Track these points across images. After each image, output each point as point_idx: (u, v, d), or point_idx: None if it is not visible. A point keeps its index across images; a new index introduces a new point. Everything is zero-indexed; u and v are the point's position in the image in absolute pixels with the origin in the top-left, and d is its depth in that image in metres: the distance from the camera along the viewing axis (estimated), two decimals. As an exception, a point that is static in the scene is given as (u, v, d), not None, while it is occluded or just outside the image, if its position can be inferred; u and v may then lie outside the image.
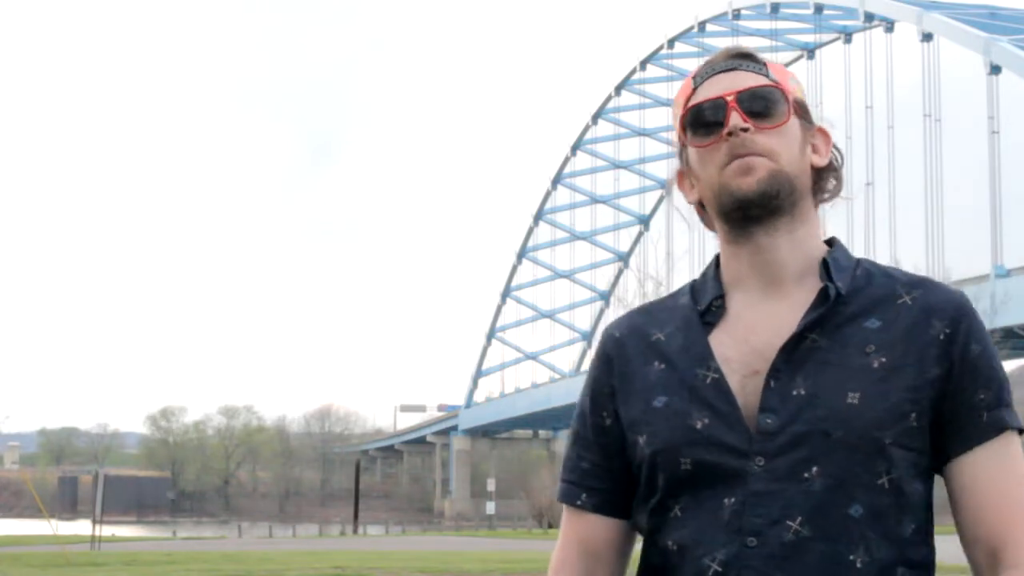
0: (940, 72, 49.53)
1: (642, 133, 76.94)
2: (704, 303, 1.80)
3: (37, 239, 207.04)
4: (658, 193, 78.46)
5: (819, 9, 56.11)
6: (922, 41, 49.03)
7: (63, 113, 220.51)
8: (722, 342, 1.76)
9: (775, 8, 59.16)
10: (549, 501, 67.64)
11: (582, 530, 1.87)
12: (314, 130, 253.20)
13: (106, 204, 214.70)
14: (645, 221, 79.08)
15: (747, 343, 1.75)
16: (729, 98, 1.76)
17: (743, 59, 1.81)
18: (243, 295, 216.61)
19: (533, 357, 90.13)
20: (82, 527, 45.94)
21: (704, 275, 1.85)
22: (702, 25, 65.96)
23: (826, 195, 1.83)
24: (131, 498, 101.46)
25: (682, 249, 62.92)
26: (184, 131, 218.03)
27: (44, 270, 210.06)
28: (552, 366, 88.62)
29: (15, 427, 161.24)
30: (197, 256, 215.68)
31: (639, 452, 1.78)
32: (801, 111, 1.80)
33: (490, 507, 72.97)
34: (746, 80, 1.77)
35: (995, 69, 44.60)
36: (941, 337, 1.71)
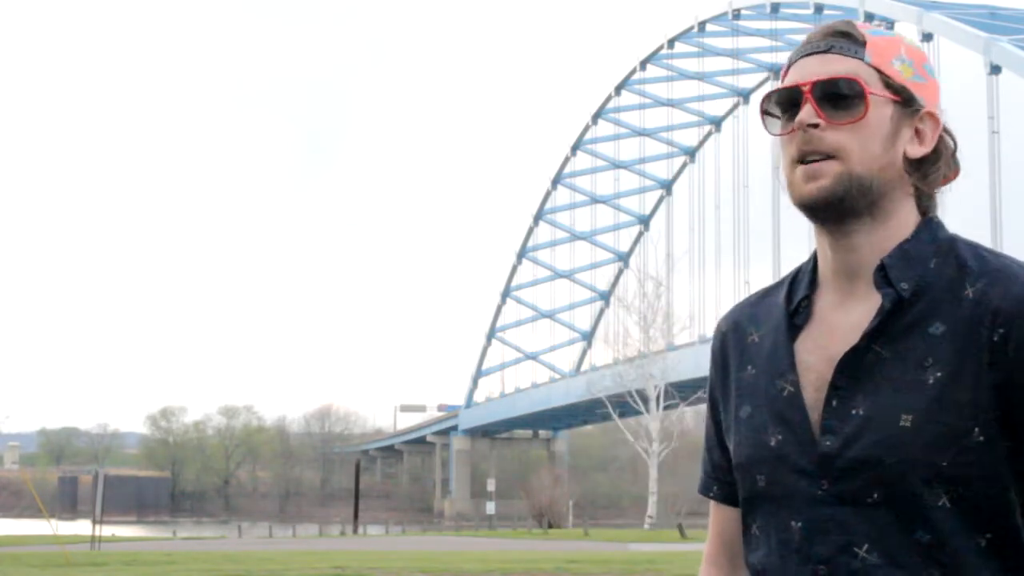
0: (940, 72, 49.50)
1: (642, 133, 76.92)
2: (794, 303, 1.74)
3: (37, 239, 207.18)
4: (658, 193, 78.51)
5: (819, 9, 56.08)
6: (922, 41, 48.97)
7: (63, 113, 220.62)
8: (806, 348, 1.70)
9: (775, 8, 59.16)
10: (549, 501, 67.65)
11: (720, 521, 1.91)
12: (313, 130, 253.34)
13: (106, 204, 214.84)
14: (645, 221, 79.07)
15: (825, 350, 1.68)
16: (805, 88, 1.67)
17: (841, 38, 1.70)
18: (243, 295, 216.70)
19: (533, 357, 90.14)
20: (82, 527, 45.94)
21: (805, 265, 1.78)
22: (702, 25, 65.95)
23: (929, 183, 1.72)
24: (131, 498, 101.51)
25: (682, 249, 62.99)
26: (184, 131, 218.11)
27: (44, 270, 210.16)
28: (552, 366, 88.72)
29: (15, 427, 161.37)
30: (197, 256, 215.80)
31: (731, 458, 1.81)
32: (904, 96, 1.69)
33: (490, 507, 72.88)
34: (832, 66, 1.68)
35: (995, 69, 44.61)
36: (995, 339, 1.59)
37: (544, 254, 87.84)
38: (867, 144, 1.66)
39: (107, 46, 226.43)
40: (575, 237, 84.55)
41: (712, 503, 1.92)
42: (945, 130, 1.74)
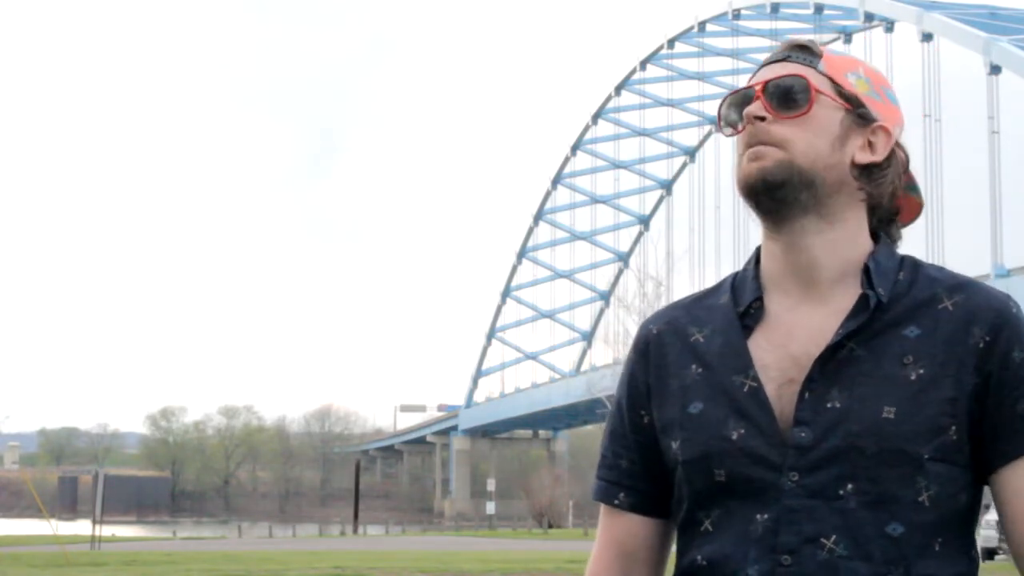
0: (940, 72, 49.54)
1: (642, 133, 76.92)
2: (743, 304, 1.75)
3: (37, 239, 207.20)
4: (658, 193, 78.51)
5: (819, 9, 56.10)
6: (922, 41, 48.99)
7: (63, 113, 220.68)
8: (761, 347, 1.72)
9: (775, 8, 59.17)
10: (549, 501, 67.77)
11: (619, 530, 1.84)
12: (315, 130, 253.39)
13: (107, 204, 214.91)
14: (645, 221, 79.05)
15: (784, 349, 1.70)
16: (757, 87, 1.74)
17: (799, 50, 1.78)
18: (243, 295, 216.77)
19: (533, 357, 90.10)
20: (82, 527, 45.92)
21: (745, 270, 1.80)
22: (702, 25, 65.96)
23: (878, 188, 1.76)
24: (131, 498, 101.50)
25: (682, 249, 62.84)
26: (185, 131, 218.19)
27: (44, 270, 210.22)
28: (552, 366, 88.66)
29: (15, 427, 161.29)
30: (197, 256, 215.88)
31: (672, 456, 1.75)
32: (854, 105, 1.74)
33: (490, 507, 72.94)
34: (786, 70, 1.75)
35: (995, 69, 44.57)
36: (980, 345, 1.66)
37: (544, 254, 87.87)
38: (813, 140, 1.71)
39: (107, 46, 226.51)
40: (575, 237, 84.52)
41: (608, 512, 1.85)
42: (898, 145, 1.78)
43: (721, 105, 1.79)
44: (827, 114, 1.73)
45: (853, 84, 1.76)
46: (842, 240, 1.72)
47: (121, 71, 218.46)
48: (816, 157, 1.70)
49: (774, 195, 1.70)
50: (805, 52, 1.77)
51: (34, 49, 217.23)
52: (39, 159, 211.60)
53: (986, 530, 23.91)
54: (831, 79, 1.75)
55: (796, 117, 1.71)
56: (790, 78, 1.73)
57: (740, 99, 1.77)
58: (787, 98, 1.72)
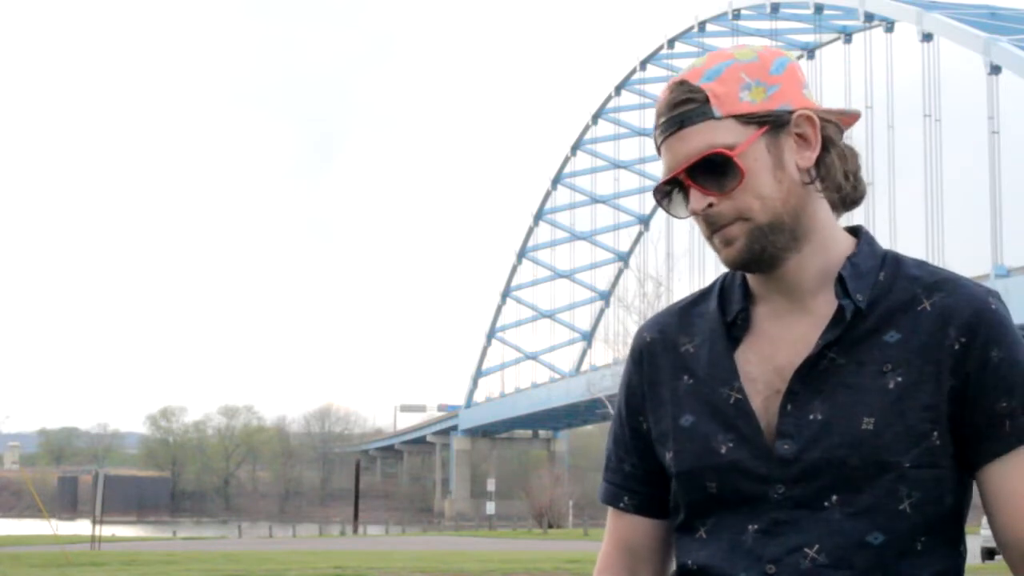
0: (940, 72, 49.54)
1: (642, 133, 76.88)
2: (731, 314, 1.75)
3: (37, 239, 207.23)
4: (658, 193, 78.45)
5: (819, 9, 56.08)
6: (922, 41, 48.99)
7: (63, 113, 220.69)
8: (747, 359, 1.72)
9: (775, 8, 59.14)
10: (549, 501, 67.72)
11: (625, 531, 1.89)
12: (314, 130, 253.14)
13: (107, 204, 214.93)
14: (645, 221, 79.06)
15: (770, 361, 1.71)
16: (682, 177, 1.67)
17: (684, 105, 1.67)
18: (243, 295, 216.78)
19: (533, 357, 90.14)
20: (82, 527, 45.93)
21: (733, 276, 1.79)
22: (702, 25, 65.95)
23: (830, 178, 1.70)
24: (131, 498, 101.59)
25: (682, 249, 62.87)
26: (185, 130, 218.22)
27: (44, 270, 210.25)
28: (552, 366, 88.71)
29: (15, 427, 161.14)
30: (197, 256, 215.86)
31: (667, 465, 1.79)
32: (766, 121, 1.66)
33: (490, 507, 73.02)
34: (690, 145, 1.66)
35: (995, 69, 44.56)
36: (956, 347, 1.64)
37: (544, 254, 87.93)
38: (760, 192, 1.66)
39: (108, 46, 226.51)
40: (575, 237, 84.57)
41: (614, 513, 1.90)
42: (823, 119, 1.70)
43: (659, 202, 1.73)
44: (754, 157, 1.66)
45: (750, 102, 1.66)
46: (817, 251, 1.70)
47: (121, 70, 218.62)
48: (772, 203, 1.66)
49: (762, 263, 1.69)
50: (692, 104, 1.66)
51: (35, 48, 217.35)
52: (39, 158, 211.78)
53: (986, 529, 23.90)
54: (731, 116, 1.65)
55: (736, 188, 1.65)
56: (711, 157, 1.65)
57: (671, 193, 1.71)
58: (718, 173, 1.65)
